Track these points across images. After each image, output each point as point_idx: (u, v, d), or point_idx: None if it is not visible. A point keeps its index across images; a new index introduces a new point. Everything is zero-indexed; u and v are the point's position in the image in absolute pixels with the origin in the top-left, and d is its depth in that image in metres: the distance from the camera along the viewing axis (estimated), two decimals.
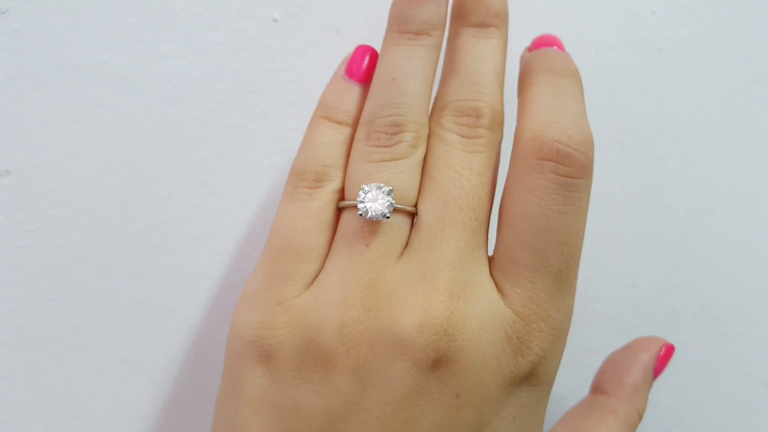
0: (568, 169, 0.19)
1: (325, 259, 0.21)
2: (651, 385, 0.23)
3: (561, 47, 0.23)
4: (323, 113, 0.22)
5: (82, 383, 0.26)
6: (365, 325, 0.19)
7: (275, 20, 0.25)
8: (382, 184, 0.20)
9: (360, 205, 0.20)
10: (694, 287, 0.28)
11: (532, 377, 0.19)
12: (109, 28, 0.24)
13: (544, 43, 0.22)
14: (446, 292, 0.19)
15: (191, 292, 0.26)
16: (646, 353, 0.23)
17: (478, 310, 0.19)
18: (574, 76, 0.21)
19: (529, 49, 0.23)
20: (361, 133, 0.21)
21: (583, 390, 0.24)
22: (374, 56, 0.22)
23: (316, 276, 0.20)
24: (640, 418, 0.23)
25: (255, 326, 0.20)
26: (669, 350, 0.24)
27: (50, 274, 0.25)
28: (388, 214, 0.20)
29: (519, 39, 0.23)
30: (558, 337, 0.20)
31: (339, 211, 0.21)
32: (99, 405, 0.26)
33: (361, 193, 0.20)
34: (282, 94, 0.25)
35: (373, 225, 0.20)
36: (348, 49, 0.25)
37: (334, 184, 0.21)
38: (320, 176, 0.21)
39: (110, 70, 0.24)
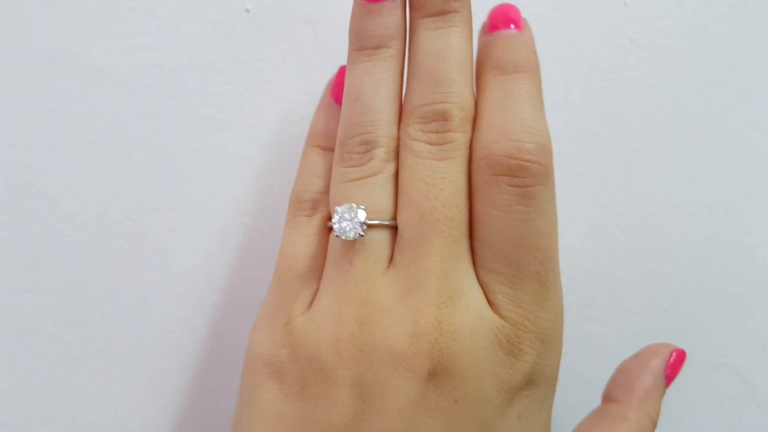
0: (524, 180, 0.19)
1: None
2: (663, 391, 0.23)
3: (517, 23, 0.21)
4: (313, 142, 0.23)
5: (58, 373, 0.26)
6: (360, 339, 0.19)
7: (248, 11, 0.25)
8: (353, 205, 0.20)
9: (335, 227, 0.20)
10: (667, 277, 0.28)
11: (533, 379, 0.20)
12: (83, 20, 0.24)
13: (499, 18, 0.21)
14: (434, 303, 0.19)
15: (166, 282, 0.26)
16: (656, 359, 0.23)
17: (468, 317, 0.19)
18: (527, 68, 0.20)
19: (486, 30, 0.22)
20: (336, 154, 0.21)
21: (560, 382, 0.24)
22: None
23: None
24: (654, 425, 0.22)
25: (266, 346, 0.21)
26: (680, 356, 0.23)
27: (25, 264, 0.25)
28: (361, 232, 0.20)
29: None
30: (549, 336, 0.20)
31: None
32: (75, 395, 0.26)
33: (335, 215, 0.20)
34: (255, 86, 0.25)
35: (353, 243, 0.20)
36: (320, 41, 0.25)
37: (328, 210, 0.22)
38: (315, 203, 0.22)
39: (84, 61, 0.25)
